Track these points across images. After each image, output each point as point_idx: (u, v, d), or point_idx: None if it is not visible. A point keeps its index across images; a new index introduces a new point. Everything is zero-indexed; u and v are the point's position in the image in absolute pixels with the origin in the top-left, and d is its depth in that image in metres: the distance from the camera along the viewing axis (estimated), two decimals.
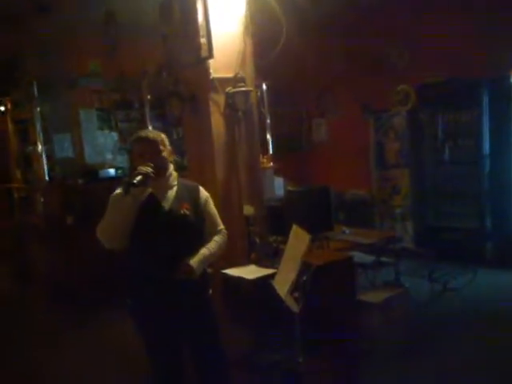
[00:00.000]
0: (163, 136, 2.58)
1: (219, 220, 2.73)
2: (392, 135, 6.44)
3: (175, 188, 2.56)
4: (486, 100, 5.70)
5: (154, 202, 2.47)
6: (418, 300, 4.44)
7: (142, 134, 2.56)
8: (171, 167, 2.59)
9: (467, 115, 5.92)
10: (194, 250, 2.52)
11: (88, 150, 6.75)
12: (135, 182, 2.29)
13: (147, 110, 5.46)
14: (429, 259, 5.04)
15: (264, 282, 3.01)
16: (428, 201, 6.33)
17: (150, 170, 2.36)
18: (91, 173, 6.22)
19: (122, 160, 6.98)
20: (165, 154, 2.52)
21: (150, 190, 2.45)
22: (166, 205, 2.49)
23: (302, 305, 2.60)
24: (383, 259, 4.62)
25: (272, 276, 2.95)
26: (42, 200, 5.89)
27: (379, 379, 3.34)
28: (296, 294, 2.64)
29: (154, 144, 2.47)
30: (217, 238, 2.66)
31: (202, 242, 2.60)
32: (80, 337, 4.63)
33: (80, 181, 5.88)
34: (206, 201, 2.66)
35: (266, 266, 3.34)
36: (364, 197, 6.55)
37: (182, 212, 2.50)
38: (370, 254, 4.58)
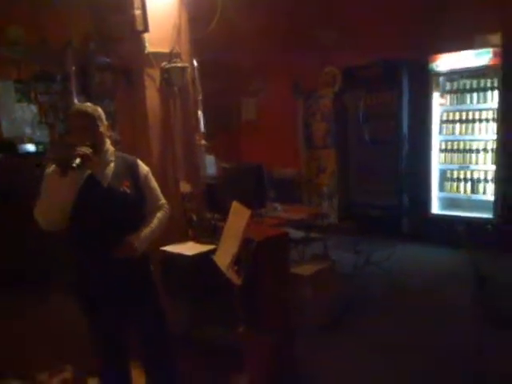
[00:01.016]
0: (100, 111, 2.50)
1: (160, 194, 2.71)
2: (319, 116, 6.65)
3: (112, 164, 2.50)
4: (405, 83, 6.07)
5: (92, 182, 2.41)
6: (344, 272, 4.71)
7: (81, 107, 2.48)
8: (108, 143, 2.53)
9: (388, 97, 6.25)
10: (135, 227, 2.50)
11: (5, 123, 6.36)
12: (74, 165, 2.21)
13: (73, 82, 5.21)
14: (353, 234, 5.33)
15: (203, 258, 3.06)
16: (351, 179, 6.65)
17: (88, 150, 2.29)
18: (9, 147, 5.91)
19: (42, 134, 6.65)
20: (102, 129, 2.46)
21: (88, 171, 2.39)
22: (105, 182, 2.44)
23: (243, 278, 2.69)
24: (312, 235, 4.83)
25: (212, 252, 3.00)
26: None
27: (310, 350, 3.53)
28: (236, 268, 2.72)
29: (92, 119, 2.41)
30: (159, 215, 2.64)
31: (144, 217, 2.58)
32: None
33: None
34: (146, 176, 2.62)
35: (205, 243, 3.39)
36: (292, 175, 6.74)
37: (121, 189, 2.46)
38: (299, 229, 4.78)
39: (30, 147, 6.31)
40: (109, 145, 2.54)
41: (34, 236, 4.60)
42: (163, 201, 2.71)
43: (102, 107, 2.57)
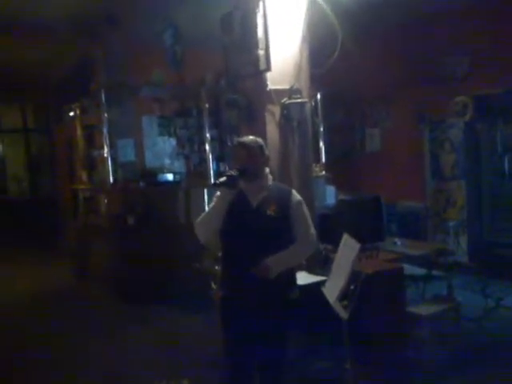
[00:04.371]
0: (260, 143, 2.73)
1: (310, 227, 2.75)
2: (448, 146, 6.32)
3: (266, 190, 2.70)
4: None
5: (243, 201, 2.65)
6: (469, 315, 4.36)
7: (242, 140, 2.75)
8: (266, 171, 2.74)
9: None
10: (275, 251, 2.60)
11: (148, 154, 7.08)
12: (217, 181, 2.55)
13: (205, 117, 5.64)
14: (482, 274, 4.93)
15: (314, 289, 3.10)
16: (484, 215, 6.18)
17: (234, 173, 2.56)
18: (151, 176, 6.49)
19: (180, 165, 7.26)
20: (258, 159, 2.67)
21: (237, 189, 2.60)
22: (254, 203, 2.66)
23: (351, 312, 2.67)
24: (434, 272, 4.57)
25: (322, 283, 3.03)
26: (105, 201, 6.21)
27: None
28: (345, 302, 2.71)
29: (247, 150, 2.66)
30: (300, 244, 2.71)
31: (287, 244, 2.66)
32: (139, 331, 4.85)
33: (141, 184, 6.16)
34: (298, 206, 2.72)
35: (317, 274, 3.43)
36: (417, 208, 6.46)
37: (267, 212, 2.63)
38: (420, 266, 4.55)
39: (169, 176, 6.93)
40: (267, 173, 2.75)
41: (164, 255, 5.08)
42: (311, 233, 2.75)
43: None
